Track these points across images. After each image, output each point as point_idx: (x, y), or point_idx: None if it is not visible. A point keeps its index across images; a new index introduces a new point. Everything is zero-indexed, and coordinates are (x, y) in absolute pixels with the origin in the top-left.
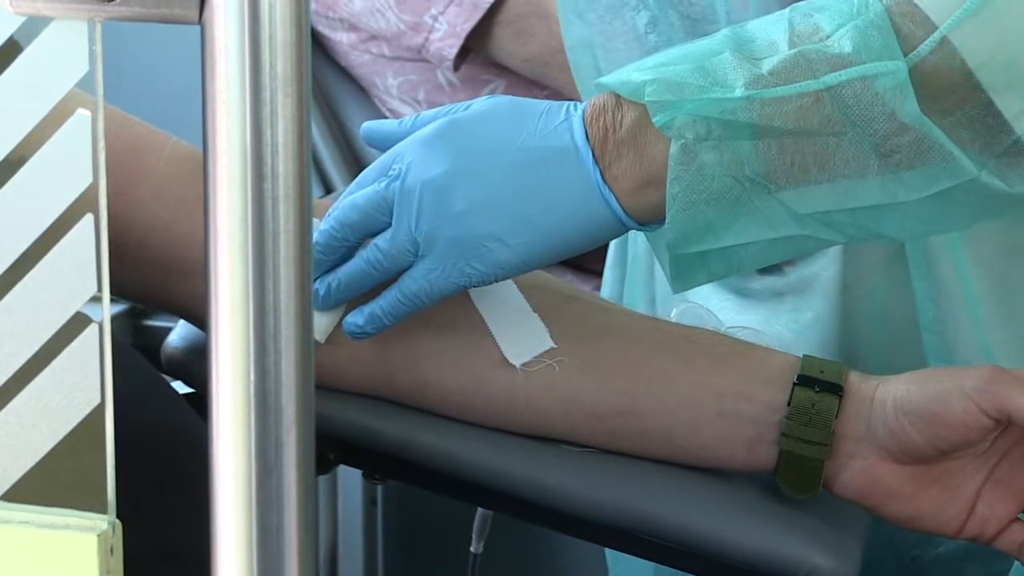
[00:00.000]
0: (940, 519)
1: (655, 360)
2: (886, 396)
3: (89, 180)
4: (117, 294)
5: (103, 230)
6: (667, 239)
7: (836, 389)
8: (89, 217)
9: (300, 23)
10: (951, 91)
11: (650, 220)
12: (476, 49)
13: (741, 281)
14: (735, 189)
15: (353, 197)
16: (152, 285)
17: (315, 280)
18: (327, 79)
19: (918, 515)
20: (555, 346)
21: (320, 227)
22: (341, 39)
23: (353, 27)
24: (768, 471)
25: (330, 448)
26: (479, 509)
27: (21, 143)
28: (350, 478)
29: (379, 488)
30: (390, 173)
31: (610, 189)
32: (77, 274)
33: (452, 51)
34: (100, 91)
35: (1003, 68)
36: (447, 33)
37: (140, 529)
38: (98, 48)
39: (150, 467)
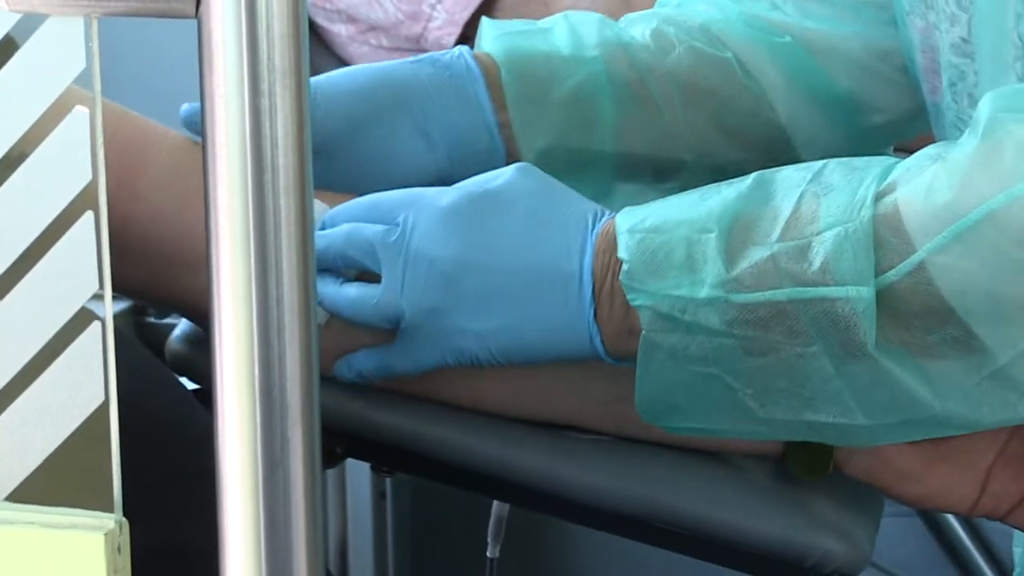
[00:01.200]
0: (952, 498)
1: None
2: None
3: (89, 177)
4: (121, 291)
5: (103, 227)
6: (637, 410)
7: None
8: (89, 214)
9: (297, 15)
10: (929, 312)
11: (631, 362)
12: (474, 37)
13: None
14: (698, 381)
15: (353, 229)
16: (156, 280)
17: None
18: (325, 70)
19: (929, 494)
20: None
21: (339, 301)
22: (339, 31)
23: (351, 18)
24: (778, 454)
25: (337, 441)
26: (493, 512)
27: (20, 140)
28: (358, 472)
29: (388, 481)
30: (396, 222)
31: (599, 328)
32: (78, 272)
33: (451, 39)
34: (98, 87)
35: (980, 300)
36: (445, 21)
37: (148, 526)
38: (95, 44)
39: (158, 462)
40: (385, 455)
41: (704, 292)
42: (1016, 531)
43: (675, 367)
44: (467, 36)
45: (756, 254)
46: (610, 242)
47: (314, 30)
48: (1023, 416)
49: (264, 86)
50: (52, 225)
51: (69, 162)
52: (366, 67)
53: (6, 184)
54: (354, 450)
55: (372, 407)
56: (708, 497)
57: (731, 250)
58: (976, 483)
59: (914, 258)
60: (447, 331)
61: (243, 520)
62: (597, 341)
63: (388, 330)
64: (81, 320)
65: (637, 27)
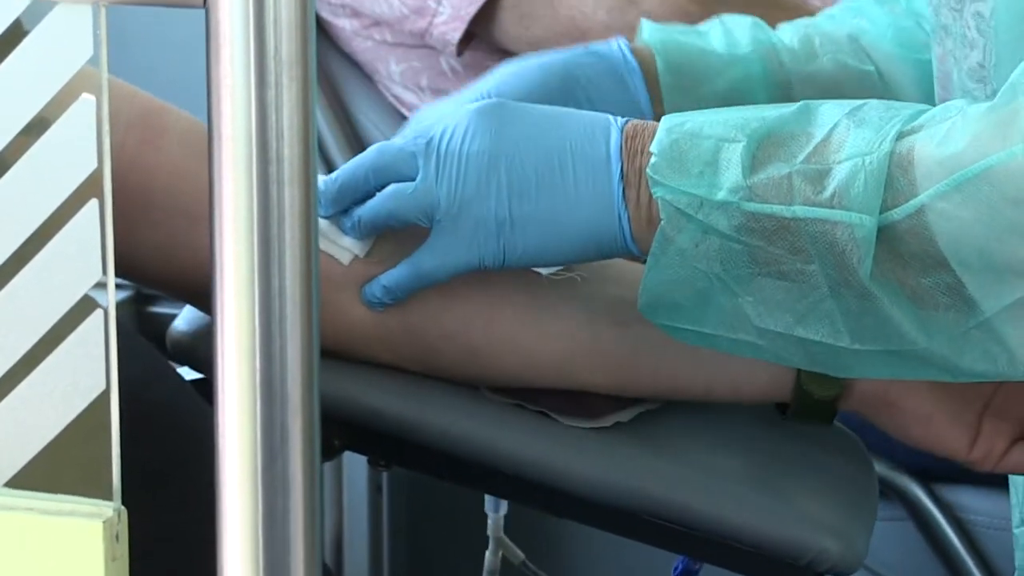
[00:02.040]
0: (951, 443)
1: None
2: None
3: (94, 165)
4: (135, 270)
5: (108, 215)
6: (639, 304)
7: None
8: (94, 202)
9: (305, 6)
10: (925, 256)
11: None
12: (480, 34)
13: None
14: (703, 281)
15: (384, 144)
16: (176, 243)
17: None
18: (331, 64)
19: (932, 437)
20: None
21: (343, 166)
22: (344, 25)
23: (356, 13)
24: (785, 399)
25: (335, 433)
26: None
27: (27, 127)
28: (355, 465)
29: (384, 475)
30: (428, 135)
31: (627, 210)
32: (82, 260)
33: (456, 35)
34: (105, 76)
35: (972, 252)
36: (451, 16)
37: (147, 515)
38: (103, 32)
39: (157, 452)
40: (382, 447)
41: (720, 195)
42: (1016, 539)
43: (684, 264)
44: (472, 32)
45: (777, 170)
46: (640, 133)
47: (319, 24)
48: (1003, 371)
49: (271, 77)
50: (57, 212)
51: (75, 149)
52: (534, 60)
53: (12, 170)
54: (352, 443)
55: (371, 397)
56: (706, 492)
57: (756, 162)
58: (970, 430)
59: (916, 200)
60: (481, 221)
61: (241, 511)
62: (626, 224)
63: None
64: (84, 308)
65: (787, 33)
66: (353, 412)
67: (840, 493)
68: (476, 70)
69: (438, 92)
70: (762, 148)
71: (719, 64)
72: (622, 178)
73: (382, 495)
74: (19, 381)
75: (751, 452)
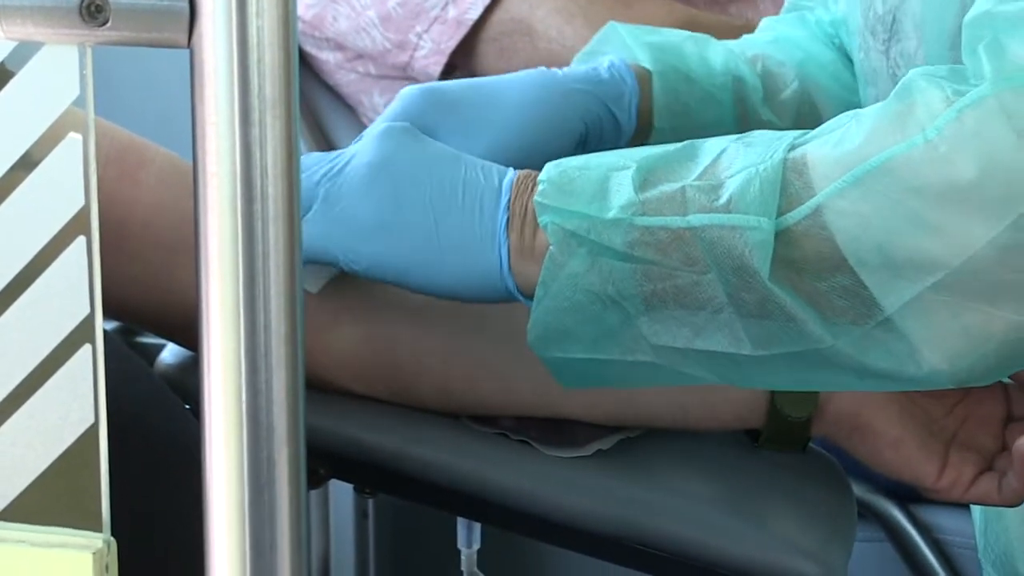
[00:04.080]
0: (920, 469)
1: None
2: None
3: (82, 203)
4: (115, 307)
5: (95, 252)
6: (529, 338)
7: None
8: (81, 239)
9: (288, 46)
10: (821, 259)
11: (525, 294)
12: (460, 66)
13: None
14: (595, 305)
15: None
16: (154, 277)
17: None
18: (316, 97)
19: (902, 462)
20: None
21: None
22: (328, 58)
23: (339, 46)
24: (758, 425)
25: (321, 463)
26: (462, 554)
27: (14, 166)
28: (342, 492)
29: (370, 502)
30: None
31: (507, 239)
32: (70, 295)
33: (437, 68)
34: (91, 114)
35: (871, 249)
36: (432, 51)
37: (140, 541)
38: (89, 72)
39: (153, 475)
40: (367, 476)
41: (611, 214)
42: (982, 564)
43: (575, 289)
44: (453, 65)
45: (669, 187)
46: (531, 175)
47: (303, 57)
48: (909, 372)
49: (255, 116)
50: (45, 249)
51: (62, 187)
52: (531, 76)
53: (0, 208)
54: (338, 471)
55: (356, 427)
56: (686, 518)
57: (646, 183)
58: (939, 458)
59: (812, 201)
60: (356, 218)
61: (229, 540)
62: (504, 249)
63: (368, 305)
64: (72, 343)
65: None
66: (337, 443)
67: (818, 516)
68: None
69: None
70: (652, 172)
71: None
72: (508, 208)
73: (368, 521)
74: (9, 415)
75: (729, 478)
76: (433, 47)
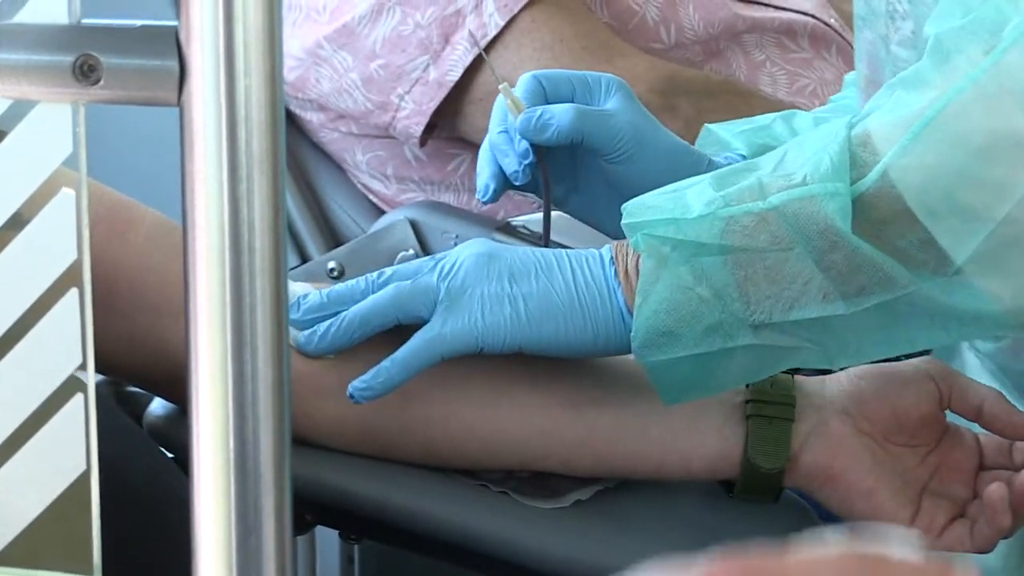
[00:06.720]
0: (892, 518)
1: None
2: (838, 375)
3: (74, 256)
4: (103, 363)
5: (87, 304)
6: (633, 347)
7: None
8: (74, 291)
9: (274, 104)
10: (895, 218)
11: None
12: (442, 125)
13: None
14: (693, 301)
15: (401, 285)
16: (141, 335)
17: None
18: (302, 153)
19: (874, 511)
20: None
21: (368, 303)
22: (311, 118)
23: (322, 107)
24: (734, 476)
25: (307, 509)
26: None
27: (7, 222)
28: (327, 536)
29: (356, 547)
30: (437, 268)
31: (619, 283)
32: (63, 346)
33: (418, 129)
34: (83, 171)
35: (941, 198)
36: (413, 111)
37: None
38: (82, 130)
39: (137, 528)
40: (353, 523)
41: (695, 212)
42: None
43: (671, 289)
44: (434, 125)
45: (744, 182)
46: (625, 243)
47: (289, 117)
48: (993, 309)
49: (242, 171)
50: (39, 301)
51: (55, 241)
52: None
53: None
54: (324, 518)
55: (342, 477)
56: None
57: (721, 185)
58: (912, 506)
59: (880, 165)
60: (483, 296)
61: None
62: (619, 297)
63: (352, 378)
64: (65, 392)
65: None
66: (323, 492)
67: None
68: (440, 158)
69: (402, 180)
70: (725, 177)
71: None
72: (612, 260)
73: (354, 565)
74: (3, 463)
75: (704, 525)
76: (415, 108)
